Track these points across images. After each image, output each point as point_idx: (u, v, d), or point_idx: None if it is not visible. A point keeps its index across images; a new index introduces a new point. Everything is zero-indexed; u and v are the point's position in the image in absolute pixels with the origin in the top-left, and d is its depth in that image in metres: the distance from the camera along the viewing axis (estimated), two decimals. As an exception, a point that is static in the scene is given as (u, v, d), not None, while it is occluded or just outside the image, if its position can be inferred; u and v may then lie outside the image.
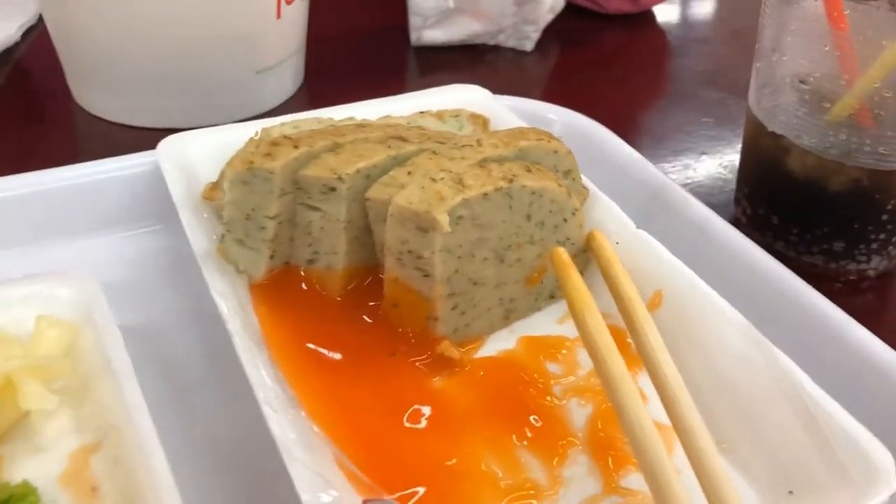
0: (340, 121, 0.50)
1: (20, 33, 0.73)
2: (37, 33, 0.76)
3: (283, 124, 0.50)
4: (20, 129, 0.63)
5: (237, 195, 0.41)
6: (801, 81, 0.47)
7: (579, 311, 0.38)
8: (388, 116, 0.52)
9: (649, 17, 0.88)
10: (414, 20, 0.74)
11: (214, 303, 0.40)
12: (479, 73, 0.74)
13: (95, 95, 0.63)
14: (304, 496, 0.31)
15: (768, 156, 0.50)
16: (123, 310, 0.41)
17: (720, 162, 0.63)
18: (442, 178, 0.40)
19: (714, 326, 0.40)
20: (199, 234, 0.43)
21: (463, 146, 0.43)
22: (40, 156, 0.60)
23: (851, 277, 0.51)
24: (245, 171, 0.40)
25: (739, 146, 0.55)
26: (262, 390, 0.35)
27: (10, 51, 0.72)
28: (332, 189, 0.40)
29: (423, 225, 0.38)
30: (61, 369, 0.38)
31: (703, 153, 0.64)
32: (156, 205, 0.51)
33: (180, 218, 0.45)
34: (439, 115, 0.54)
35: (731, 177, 0.60)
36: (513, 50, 0.77)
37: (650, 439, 0.32)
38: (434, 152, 0.42)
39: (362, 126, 0.45)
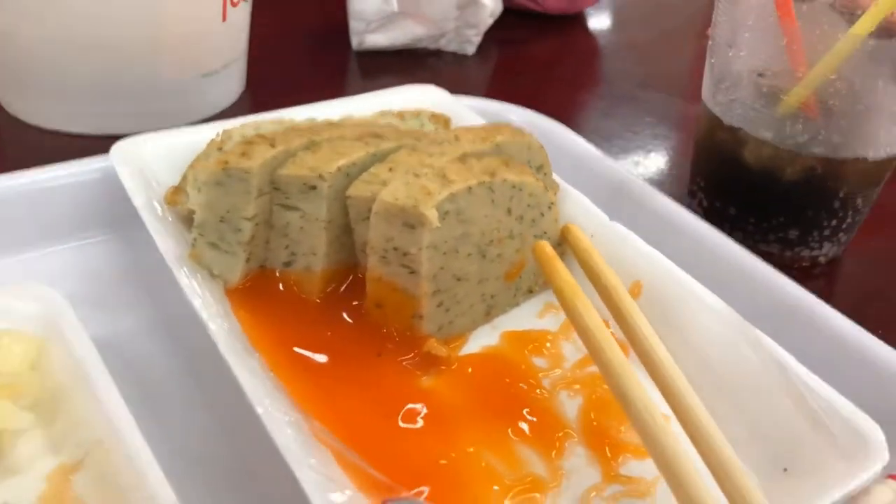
0: (304, 121, 0.49)
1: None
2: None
3: (243, 126, 0.48)
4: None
5: (211, 197, 0.39)
6: (759, 75, 0.48)
7: (570, 302, 0.38)
8: (349, 117, 0.52)
9: (582, 21, 0.89)
10: (355, 24, 0.73)
11: (188, 310, 0.38)
12: (421, 76, 0.73)
13: (27, 102, 0.59)
14: (315, 499, 0.30)
15: (724, 148, 0.52)
16: (87, 322, 0.39)
17: (668, 157, 0.64)
18: (425, 174, 0.39)
19: (696, 313, 0.41)
20: (167, 240, 0.42)
21: (441, 142, 0.42)
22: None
23: (805, 264, 0.53)
24: (220, 172, 0.39)
25: (683, 142, 0.57)
26: (257, 396, 0.33)
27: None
28: (313, 188, 0.39)
29: (411, 221, 0.38)
30: (29, 386, 0.36)
31: (651, 150, 0.65)
32: (108, 212, 0.49)
33: (145, 224, 0.42)
34: (400, 115, 0.53)
35: (681, 171, 0.61)
36: (453, 54, 0.77)
37: (659, 426, 0.32)
38: (413, 149, 0.41)
39: (335, 125, 0.44)
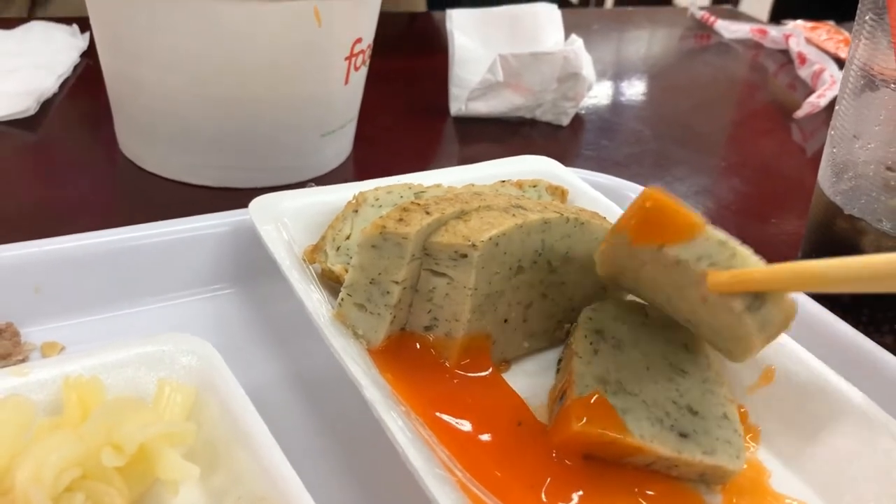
0: (432, 188, 0.51)
1: (58, 84, 0.71)
2: (70, 85, 0.74)
3: (377, 189, 0.50)
4: (65, 182, 0.61)
5: (365, 259, 0.40)
6: (888, 168, 0.49)
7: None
8: (471, 185, 0.53)
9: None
10: (456, 91, 0.75)
11: (331, 368, 0.39)
12: (515, 144, 0.76)
13: (150, 150, 0.61)
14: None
15: (842, 237, 0.52)
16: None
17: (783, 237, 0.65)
18: None
19: (831, 405, 0.41)
20: (311, 297, 0.43)
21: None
22: (91, 210, 0.58)
23: (917, 356, 0.53)
24: (377, 236, 0.40)
25: (795, 219, 0.57)
26: (418, 461, 0.34)
27: (48, 102, 0.70)
28: (464, 256, 0.40)
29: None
30: (188, 436, 0.36)
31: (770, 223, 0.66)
32: (239, 265, 0.50)
33: (287, 279, 0.44)
34: (519, 185, 0.55)
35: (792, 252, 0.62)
36: (548, 124, 0.79)
37: None
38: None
39: (479, 194, 0.46)
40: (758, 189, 0.74)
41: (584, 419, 0.37)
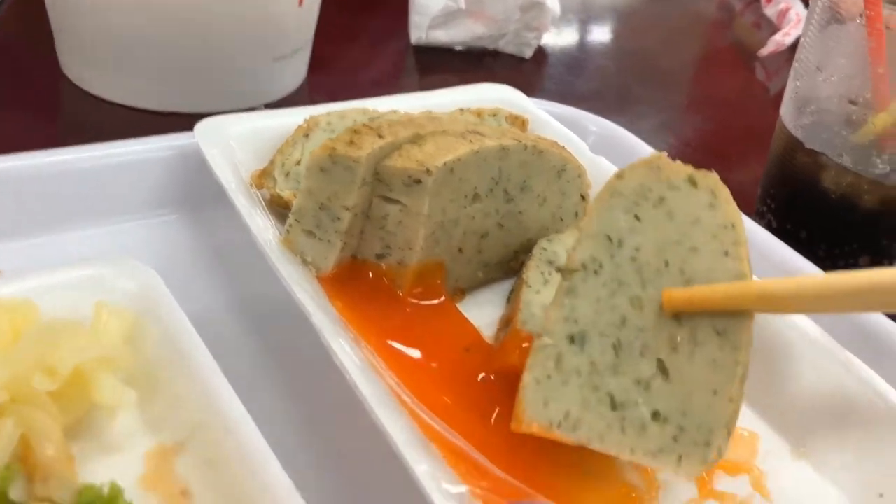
0: (387, 113, 0.49)
1: (-4, 2, 0.67)
2: (8, 3, 0.71)
3: (329, 114, 0.48)
4: (3, 104, 0.58)
5: (314, 183, 0.39)
6: (851, 101, 0.48)
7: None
8: (428, 111, 0.51)
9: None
10: (417, 19, 0.73)
11: (277, 294, 0.38)
12: (477, 76, 0.74)
13: (93, 72, 0.58)
14: (431, 491, 0.29)
15: (802, 172, 0.52)
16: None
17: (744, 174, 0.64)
18: None
19: (789, 337, 0.41)
20: (258, 223, 0.41)
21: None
22: (32, 134, 0.56)
23: (870, 293, 0.53)
24: (326, 159, 0.38)
25: (756, 156, 0.56)
26: (367, 388, 0.33)
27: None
28: (418, 181, 0.39)
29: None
30: (125, 361, 0.35)
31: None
32: (185, 190, 0.48)
33: (234, 205, 0.42)
34: (478, 113, 0.53)
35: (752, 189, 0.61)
36: (511, 56, 0.77)
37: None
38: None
39: (436, 119, 0.44)
40: (720, 126, 0.73)
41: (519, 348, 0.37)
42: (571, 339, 0.33)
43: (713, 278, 0.32)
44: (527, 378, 0.33)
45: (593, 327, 0.33)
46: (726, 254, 0.32)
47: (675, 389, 0.32)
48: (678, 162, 0.34)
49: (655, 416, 0.32)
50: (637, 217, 0.34)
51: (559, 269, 0.42)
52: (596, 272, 0.34)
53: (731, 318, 0.32)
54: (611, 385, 0.33)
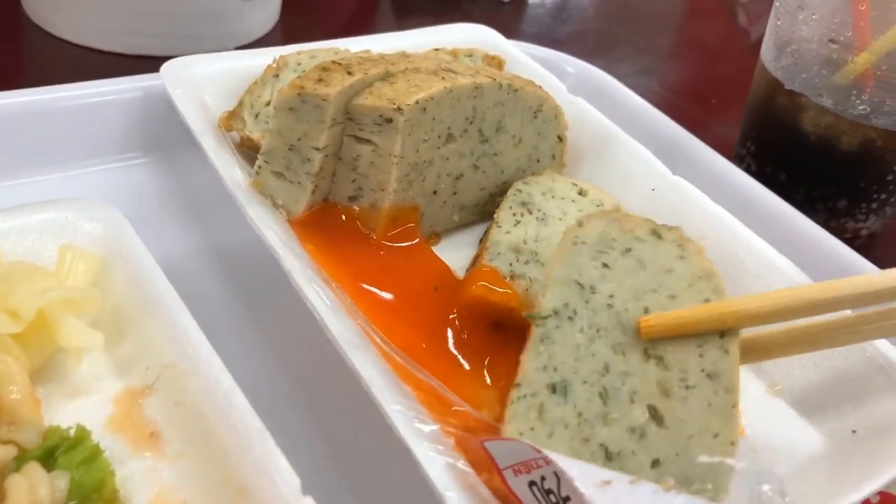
0: (359, 52, 0.48)
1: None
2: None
3: (299, 53, 0.47)
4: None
5: (283, 123, 0.38)
6: (832, 41, 0.48)
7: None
8: (402, 52, 0.50)
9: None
10: (392, -41, 0.71)
11: (248, 237, 0.37)
12: (453, 19, 0.72)
13: (58, 13, 0.56)
14: (403, 430, 0.29)
15: (783, 113, 0.51)
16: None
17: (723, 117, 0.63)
18: None
19: (762, 273, 0.41)
20: (226, 166, 0.40)
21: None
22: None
23: (847, 236, 0.53)
24: (295, 97, 0.37)
25: (736, 100, 0.56)
26: (337, 329, 0.33)
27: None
28: (389, 120, 0.38)
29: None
30: (92, 303, 0.34)
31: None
32: (152, 132, 0.47)
33: (201, 147, 0.41)
34: (454, 53, 0.52)
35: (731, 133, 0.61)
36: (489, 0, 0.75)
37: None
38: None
39: (407, 56, 0.43)
40: (700, 70, 0.73)
41: (480, 284, 0.37)
42: (553, 389, 0.31)
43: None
44: (508, 430, 0.30)
45: (575, 375, 0.31)
46: (707, 301, 0.32)
47: (673, 435, 0.30)
48: (635, 215, 0.34)
49: (655, 464, 0.30)
50: (606, 265, 0.33)
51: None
52: (571, 318, 0.32)
53: (718, 360, 0.31)
54: (602, 435, 0.30)
